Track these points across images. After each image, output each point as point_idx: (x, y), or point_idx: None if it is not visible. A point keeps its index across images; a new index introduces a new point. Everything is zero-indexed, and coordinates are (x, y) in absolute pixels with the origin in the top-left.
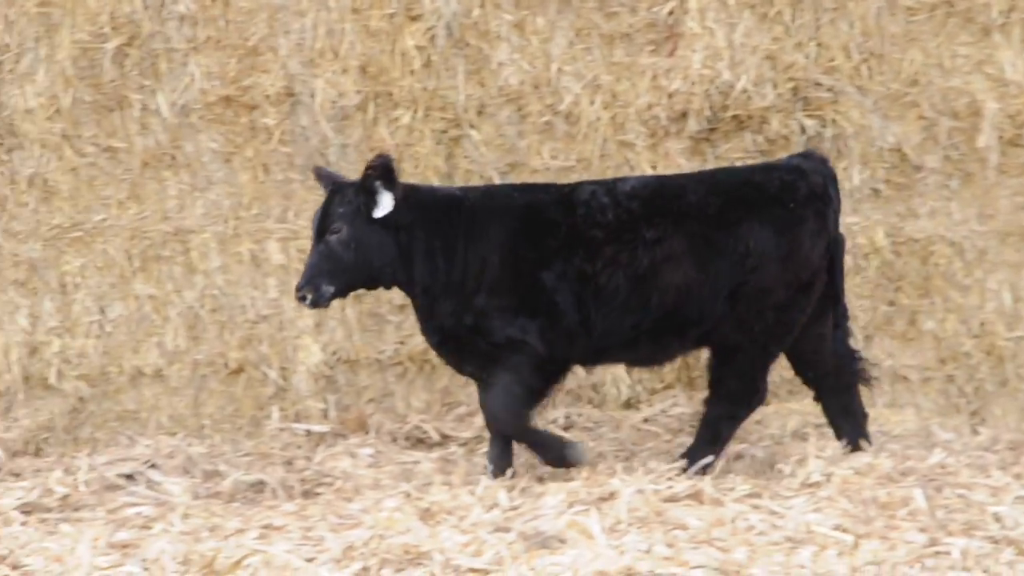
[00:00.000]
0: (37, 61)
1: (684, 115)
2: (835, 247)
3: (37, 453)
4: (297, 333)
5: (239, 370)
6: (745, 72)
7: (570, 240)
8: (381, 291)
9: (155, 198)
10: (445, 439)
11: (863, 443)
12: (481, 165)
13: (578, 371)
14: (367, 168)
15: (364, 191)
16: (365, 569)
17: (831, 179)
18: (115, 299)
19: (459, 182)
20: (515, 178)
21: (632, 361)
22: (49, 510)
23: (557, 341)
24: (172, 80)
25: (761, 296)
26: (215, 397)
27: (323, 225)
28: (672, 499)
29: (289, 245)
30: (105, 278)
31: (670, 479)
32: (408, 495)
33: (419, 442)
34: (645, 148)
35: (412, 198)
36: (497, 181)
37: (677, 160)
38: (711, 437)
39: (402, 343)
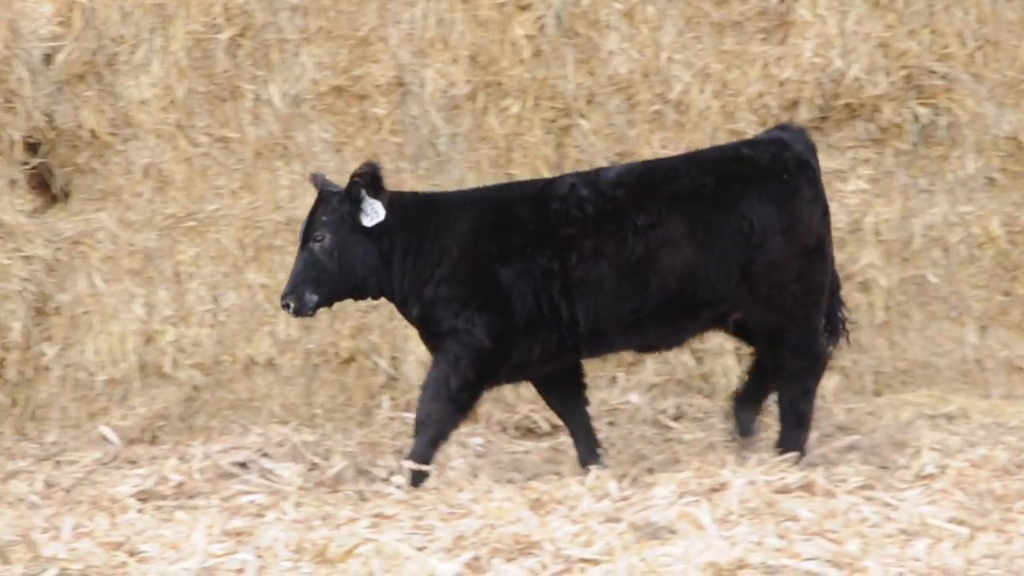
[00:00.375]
0: (152, 52)
1: (795, 104)
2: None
3: (153, 441)
4: (407, 323)
5: (350, 359)
6: (857, 60)
7: (537, 238)
8: None
9: (267, 188)
10: (555, 429)
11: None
12: (590, 154)
13: (687, 361)
14: (353, 176)
15: (349, 199)
16: (476, 558)
17: (811, 149)
18: (228, 288)
19: (568, 171)
20: None
21: (643, 345)
22: (164, 498)
23: (508, 337)
24: (284, 70)
25: (775, 272)
26: (326, 386)
27: (308, 232)
28: (784, 490)
29: None
30: (218, 267)
31: (782, 470)
32: (518, 485)
33: (529, 432)
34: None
35: (394, 203)
36: None
37: None
38: (796, 420)
39: None
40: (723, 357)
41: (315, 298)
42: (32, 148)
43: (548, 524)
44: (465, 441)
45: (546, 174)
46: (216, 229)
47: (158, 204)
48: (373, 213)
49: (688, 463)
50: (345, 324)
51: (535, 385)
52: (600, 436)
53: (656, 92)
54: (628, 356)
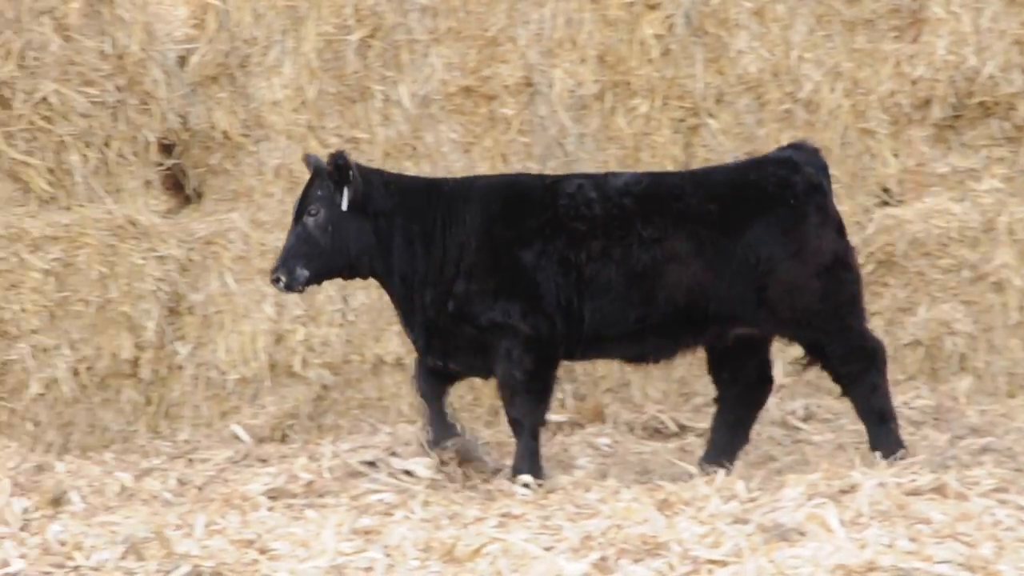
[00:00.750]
0: (284, 54)
1: (928, 102)
2: None
3: (283, 440)
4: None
5: None
6: (992, 57)
7: (551, 224)
8: None
9: None
10: (682, 429)
11: (730, 454)
12: (719, 154)
13: None
14: (327, 164)
15: (334, 180)
16: (603, 559)
17: (823, 170)
18: (357, 288)
19: None
20: None
21: (635, 355)
22: (294, 496)
23: (544, 318)
24: (413, 71)
25: (794, 295)
26: (455, 386)
27: (302, 207)
28: (915, 492)
29: None
30: None
31: (913, 472)
32: (645, 485)
33: (656, 432)
34: (887, 136)
35: (393, 185)
36: None
37: (920, 148)
38: (878, 418)
39: None
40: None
41: (306, 273)
42: (166, 149)
43: (675, 525)
44: (592, 441)
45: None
46: None
47: (289, 204)
48: (344, 199)
49: (817, 464)
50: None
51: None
52: None
53: (786, 91)
54: None
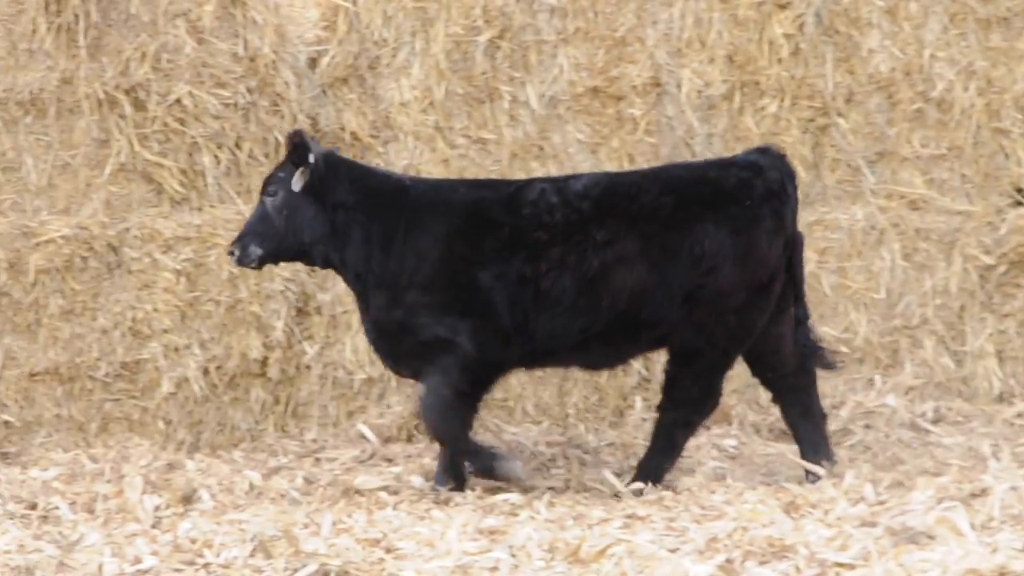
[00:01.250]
0: (412, 55)
1: None
2: (793, 246)
3: (409, 439)
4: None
5: None
6: None
7: (512, 241)
8: None
9: None
10: None
11: (821, 444)
12: (848, 154)
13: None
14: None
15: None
16: (729, 561)
17: (789, 176)
18: None
19: (825, 171)
20: (884, 167)
21: (583, 364)
22: (420, 496)
23: (491, 343)
24: (541, 72)
25: (719, 299)
26: (579, 387)
27: (264, 185)
28: None
29: None
30: None
31: None
32: (771, 487)
33: (783, 434)
34: (1021, 135)
35: (359, 180)
36: (865, 170)
37: None
38: (666, 446)
39: None
40: (984, 360)
41: (259, 251)
42: None
43: (802, 527)
44: (718, 443)
45: (802, 174)
46: None
47: None
48: (297, 180)
49: (947, 467)
50: None
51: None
52: (855, 439)
53: (918, 90)
54: (885, 358)
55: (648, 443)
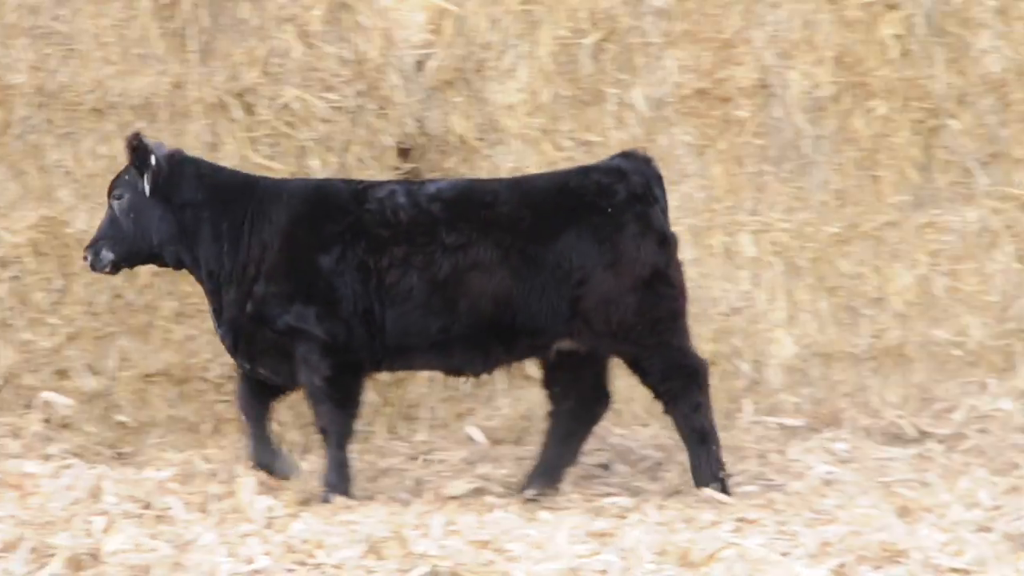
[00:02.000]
0: (519, 58)
1: None
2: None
3: (517, 442)
4: (769, 326)
5: (711, 362)
6: None
7: (353, 229)
8: (857, 283)
9: None
10: (923, 435)
11: (558, 473)
12: (960, 155)
13: None
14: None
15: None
16: (841, 565)
17: (655, 178)
18: None
19: (936, 173)
20: (996, 169)
21: (448, 367)
22: (531, 498)
23: (340, 324)
24: (648, 74)
25: (610, 306)
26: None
27: (110, 190)
28: None
29: (761, 238)
30: None
31: None
32: (884, 491)
33: (895, 438)
34: None
35: (208, 177)
36: (977, 172)
37: None
38: (699, 437)
39: (877, 337)
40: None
41: (111, 256)
42: (403, 153)
43: (916, 532)
44: (829, 447)
45: (913, 176)
46: None
47: None
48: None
49: None
50: (706, 327)
51: None
52: (970, 444)
53: None
54: (999, 361)
55: (686, 448)
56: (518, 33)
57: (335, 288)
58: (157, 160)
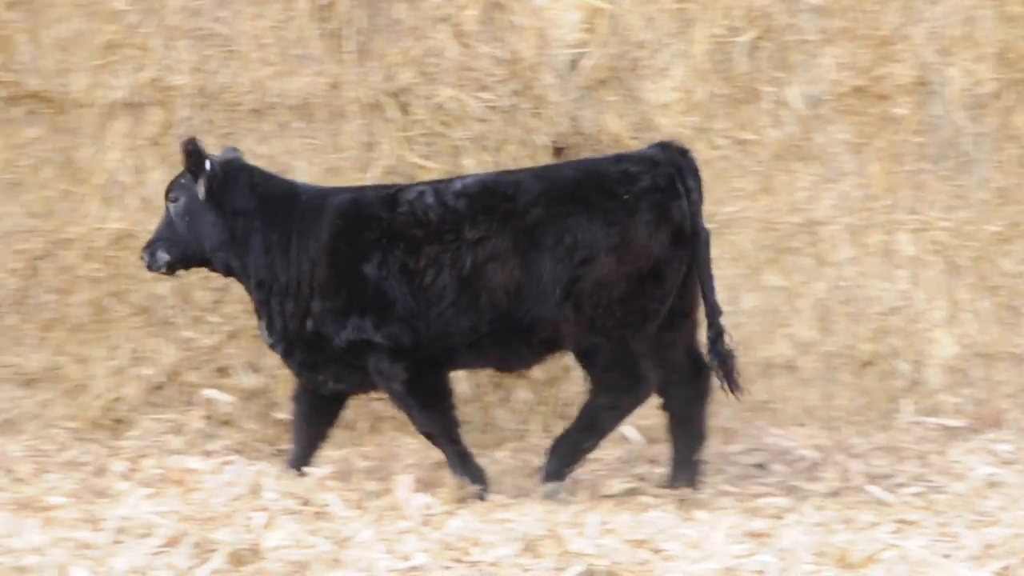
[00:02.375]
0: (673, 56)
1: None
2: (698, 244)
3: None
4: (929, 326)
5: (869, 363)
6: None
7: (390, 233)
8: (1019, 282)
9: (785, 190)
10: None
11: (685, 466)
12: None
13: None
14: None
15: (191, 172)
16: (1005, 568)
17: (688, 171)
18: (746, 290)
19: None
20: None
21: (490, 364)
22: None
23: (396, 326)
24: (804, 72)
25: (601, 291)
26: (846, 389)
27: (167, 192)
28: None
29: (920, 236)
30: (736, 269)
31: None
32: None
33: None
34: None
35: (260, 187)
36: None
37: None
38: (588, 424)
39: None
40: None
41: (166, 257)
42: (557, 152)
43: None
44: (991, 448)
45: None
46: (734, 231)
47: None
48: (201, 187)
49: None
50: (865, 327)
51: None
52: None
53: None
54: None
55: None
56: (672, 31)
57: (384, 292)
58: (212, 166)
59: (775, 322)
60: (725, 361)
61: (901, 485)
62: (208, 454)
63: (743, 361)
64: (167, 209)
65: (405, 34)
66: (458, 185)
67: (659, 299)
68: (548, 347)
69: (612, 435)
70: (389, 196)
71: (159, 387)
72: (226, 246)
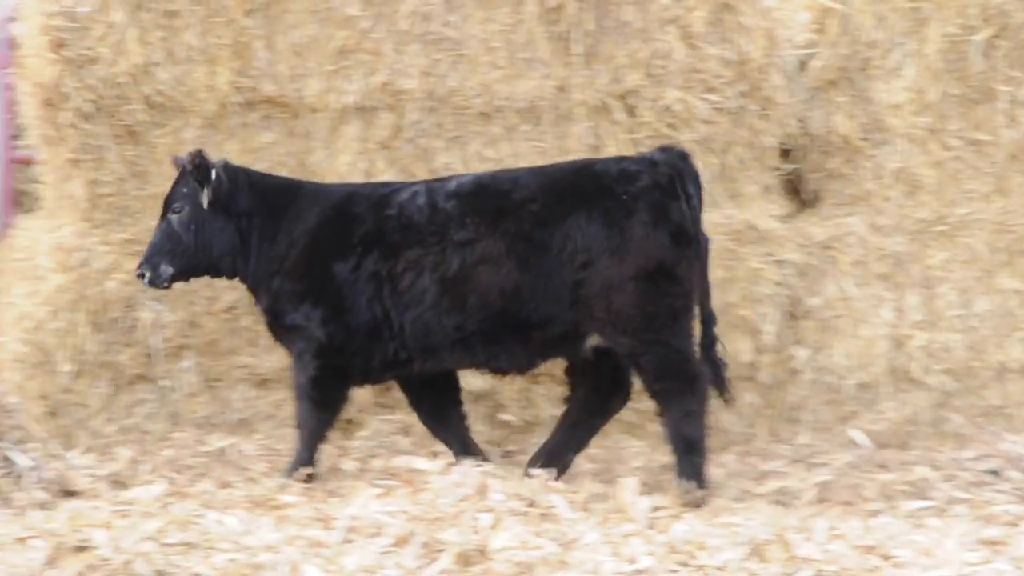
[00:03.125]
0: (905, 56)
1: None
2: (697, 251)
3: (903, 446)
4: None
5: None
6: None
7: (368, 238)
8: None
9: (1020, 191)
10: None
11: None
12: None
13: None
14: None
15: (197, 180)
16: None
17: (687, 175)
18: (979, 293)
19: None
20: None
21: (477, 364)
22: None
23: (344, 333)
24: None
25: (610, 294)
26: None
27: (167, 203)
28: None
29: None
30: (969, 272)
31: None
32: None
33: None
34: None
35: (257, 186)
36: None
37: None
38: (685, 446)
39: None
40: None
41: (170, 270)
42: (784, 154)
43: None
44: None
45: None
46: (967, 233)
47: (908, 208)
48: (206, 195)
49: None
50: None
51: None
52: None
53: None
54: None
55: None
56: (905, 31)
57: (344, 295)
58: (218, 173)
59: (1009, 325)
60: (718, 370)
61: None
62: (435, 455)
63: (977, 365)
64: (168, 221)
65: (632, 36)
66: (452, 185)
67: (679, 294)
68: (550, 347)
69: (840, 439)
70: (382, 197)
71: (388, 388)
72: (235, 249)
